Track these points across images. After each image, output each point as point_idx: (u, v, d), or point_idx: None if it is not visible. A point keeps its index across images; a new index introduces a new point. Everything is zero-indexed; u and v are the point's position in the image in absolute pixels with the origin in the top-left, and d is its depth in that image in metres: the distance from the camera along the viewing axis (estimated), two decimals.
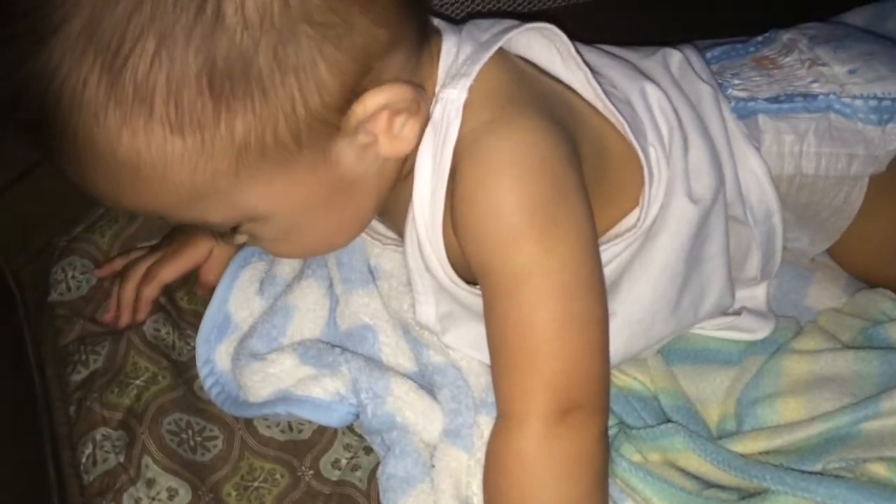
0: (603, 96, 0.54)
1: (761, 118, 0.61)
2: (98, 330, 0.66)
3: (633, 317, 0.56)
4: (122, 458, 0.57)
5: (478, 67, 0.51)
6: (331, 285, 0.64)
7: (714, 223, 0.58)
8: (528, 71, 0.55)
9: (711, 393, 0.61)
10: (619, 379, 0.62)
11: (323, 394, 0.58)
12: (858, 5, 0.85)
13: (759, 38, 0.69)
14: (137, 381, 0.60)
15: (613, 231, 0.56)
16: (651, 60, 0.62)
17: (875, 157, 0.62)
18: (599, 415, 0.50)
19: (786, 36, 0.67)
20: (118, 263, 0.69)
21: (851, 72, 0.63)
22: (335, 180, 0.49)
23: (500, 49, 0.53)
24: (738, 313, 0.63)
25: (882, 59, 0.64)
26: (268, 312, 0.63)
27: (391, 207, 0.56)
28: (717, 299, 0.60)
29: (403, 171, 0.53)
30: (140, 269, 0.67)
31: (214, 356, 0.63)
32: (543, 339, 0.49)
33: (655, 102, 0.57)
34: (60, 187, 0.72)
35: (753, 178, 0.61)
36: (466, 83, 0.51)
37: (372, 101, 0.47)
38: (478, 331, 0.54)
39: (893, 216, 0.64)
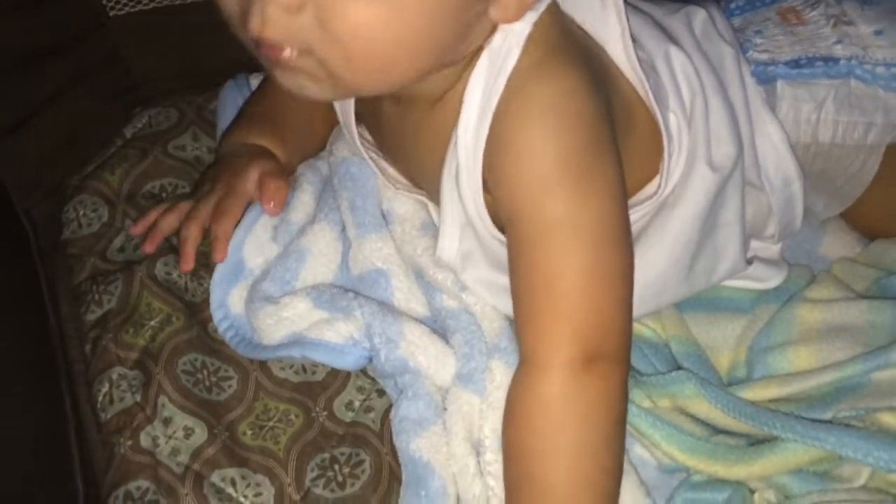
0: (635, 62, 0.54)
1: (780, 84, 0.61)
2: (109, 268, 0.66)
3: (644, 281, 0.56)
4: (138, 398, 0.57)
5: (544, 4, 0.50)
6: (343, 229, 0.64)
7: (731, 190, 0.58)
8: (570, 23, 0.54)
9: (723, 340, 0.62)
10: None
11: (336, 337, 0.58)
12: None
13: None
14: (152, 322, 0.61)
15: (633, 199, 0.56)
16: (674, 19, 0.61)
17: (894, 125, 0.61)
18: (622, 365, 0.50)
19: None
20: (153, 216, 0.65)
21: (878, 33, 0.62)
22: None
23: None
24: (749, 262, 0.63)
25: None
26: (281, 256, 0.63)
27: (419, 140, 0.55)
28: (730, 265, 0.60)
29: (438, 94, 0.52)
30: (201, 210, 0.63)
31: (228, 300, 0.63)
32: (572, 287, 0.49)
33: (679, 67, 0.57)
34: (71, 125, 0.74)
35: (771, 145, 0.60)
36: (533, 17, 0.50)
37: None
38: (493, 277, 0.54)
39: None
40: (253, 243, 0.64)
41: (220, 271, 0.63)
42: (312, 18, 0.45)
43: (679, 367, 0.59)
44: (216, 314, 0.62)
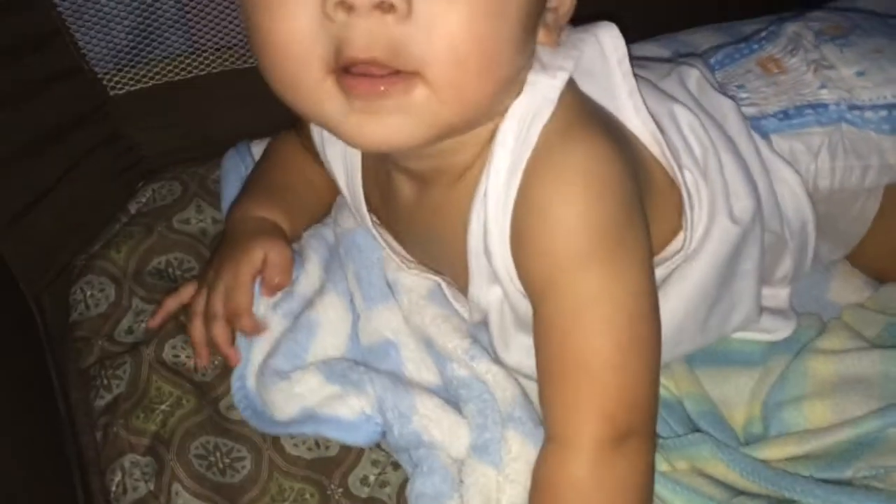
0: (649, 120, 0.54)
1: (774, 138, 0.61)
2: (117, 350, 0.66)
3: (663, 333, 0.55)
4: (152, 486, 0.57)
5: (572, 63, 0.50)
6: (352, 299, 0.64)
7: (751, 240, 0.57)
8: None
9: (736, 395, 0.61)
10: None
11: (349, 413, 0.58)
12: None
13: (763, 34, 0.67)
14: (162, 407, 0.61)
15: (660, 255, 0.55)
16: (669, 81, 0.61)
17: (890, 166, 0.61)
18: (650, 439, 0.50)
19: (790, 29, 0.66)
20: (171, 304, 0.65)
21: (860, 74, 0.62)
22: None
23: None
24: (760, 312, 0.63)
25: (891, 55, 0.63)
26: (290, 329, 0.63)
27: (439, 217, 0.54)
28: (744, 315, 0.60)
29: (463, 163, 0.51)
30: (216, 307, 0.62)
31: (246, 373, 0.62)
32: (606, 365, 0.48)
33: (686, 124, 0.57)
34: (77, 206, 0.74)
35: (788, 188, 0.60)
36: (564, 76, 0.50)
37: None
38: (523, 339, 0.54)
39: None
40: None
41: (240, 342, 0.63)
42: (419, 29, 0.42)
43: (695, 426, 0.59)
44: (234, 385, 0.62)
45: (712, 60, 0.67)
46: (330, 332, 0.62)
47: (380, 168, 0.58)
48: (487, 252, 0.51)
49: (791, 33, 0.66)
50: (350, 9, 0.41)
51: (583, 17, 0.61)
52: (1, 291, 0.66)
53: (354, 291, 0.63)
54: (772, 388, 0.60)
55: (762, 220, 0.58)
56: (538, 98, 0.49)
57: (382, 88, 0.43)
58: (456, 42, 0.43)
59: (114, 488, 0.58)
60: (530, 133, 0.49)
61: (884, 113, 0.61)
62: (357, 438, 0.59)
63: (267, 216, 0.66)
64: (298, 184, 0.68)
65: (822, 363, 0.60)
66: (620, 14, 0.72)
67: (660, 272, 0.54)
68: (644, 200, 0.52)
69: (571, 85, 0.51)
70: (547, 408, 0.50)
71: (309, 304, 0.64)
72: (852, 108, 0.61)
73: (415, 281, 0.62)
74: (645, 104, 0.54)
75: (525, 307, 0.52)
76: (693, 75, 0.62)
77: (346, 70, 0.43)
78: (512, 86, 0.48)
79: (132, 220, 0.75)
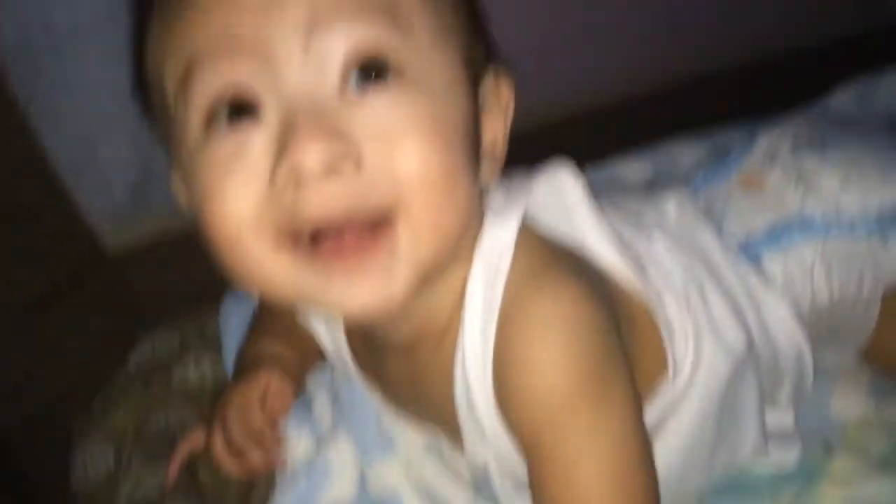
0: (617, 255, 0.53)
1: (766, 260, 0.61)
2: None
3: (664, 477, 0.53)
4: None
5: (521, 208, 0.50)
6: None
7: (746, 373, 0.56)
8: (546, 232, 0.54)
9: None
10: None
11: None
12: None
13: (740, 146, 0.68)
14: None
15: (649, 392, 0.54)
16: (647, 209, 0.62)
17: (883, 272, 0.61)
18: None
19: (766, 140, 0.66)
20: (184, 450, 0.64)
21: (841, 184, 0.62)
22: (470, 123, 0.47)
23: None
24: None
25: (870, 160, 0.64)
26: (300, 474, 0.62)
27: (428, 377, 0.53)
28: (752, 448, 0.59)
29: (440, 326, 0.51)
30: (234, 435, 0.61)
31: None
32: None
33: (666, 257, 0.56)
34: (76, 366, 0.74)
35: (780, 320, 0.60)
36: (514, 224, 0.49)
37: (491, 81, 0.50)
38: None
39: None
40: None
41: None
42: (379, 174, 0.42)
43: None
44: None
45: (695, 181, 0.67)
46: (338, 482, 0.61)
47: (365, 336, 0.58)
48: (475, 413, 0.51)
49: (768, 144, 0.66)
50: (298, 183, 0.41)
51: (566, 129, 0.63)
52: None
53: (356, 443, 0.63)
54: None
55: (756, 352, 0.57)
56: (496, 250, 0.48)
57: (364, 250, 0.43)
58: (420, 171, 0.42)
59: None
60: (495, 291, 0.48)
61: (869, 226, 0.61)
62: None
63: (271, 349, 0.66)
64: (299, 325, 0.68)
65: (833, 489, 0.59)
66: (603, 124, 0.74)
67: (652, 411, 0.53)
68: (626, 336, 0.51)
69: (529, 228, 0.51)
70: None
71: (318, 448, 0.63)
72: (840, 221, 0.61)
73: (412, 433, 0.61)
74: (616, 235, 0.54)
75: (521, 469, 0.50)
76: (671, 204, 0.62)
77: (315, 240, 0.42)
78: (472, 221, 0.48)
79: (131, 378, 0.75)
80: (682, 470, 0.56)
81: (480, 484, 0.58)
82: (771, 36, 0.87)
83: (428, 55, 0.44)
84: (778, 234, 0.62)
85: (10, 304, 0.70)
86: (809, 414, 0.66)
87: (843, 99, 0.88)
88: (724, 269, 0.59)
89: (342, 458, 0.62)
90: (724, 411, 0.56)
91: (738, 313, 0.57)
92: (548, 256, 0.50)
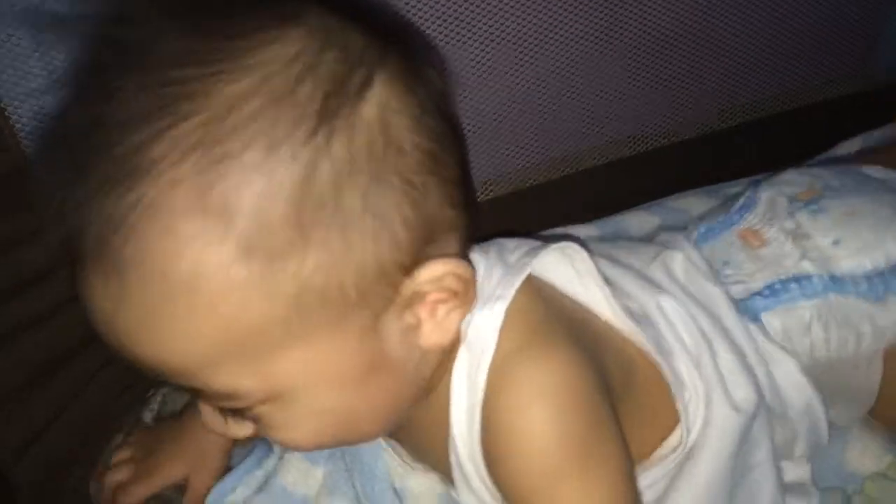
0: (623, 314, 0.54)
1: (764, 317, 0.61)
2: None
3: None
4: None
5: (513, 291, 0.51)
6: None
7: (758, 430, 0.57)
8: (551, 293, 0.55)
9: None
10: None
11: None
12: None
13: (740, 201, 0.69)
14: None
15: (657, 454, 0.55)
16: (654, 268, 0.62)
17: (882, 331, 0.61)
18: None
19: (765, 195, 0.67)
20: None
21: (835, 243, 0.63)
22: (375, 357, 0.47)
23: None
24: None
25: (864, 217, 0.64)
26: None
27: (422, 430, 0.54)
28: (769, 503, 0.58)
29: (429, 387, 0.51)
30: (115, 479, 0.68)
31: None
32: None
33: (674, 314, 0.57)
34: (83, 427, 0.74)
35: (787, 374, 0.60)
36: (503, 306, 0.50)
37: (437, 268, 0.46)
38: None
39: None
40: None
41: None
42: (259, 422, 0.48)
43: None
44: None
45: (696, 235, 0.68)
46: None
47: None
48: (470, 484, 0.51)
49: (766, 200, 0.67)
50: None
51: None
52: None
53: (363, 497, 0.62)
54: None
55: (766, 407, 0.57)
56: (481, 337, 0.49)
57: None
58: (304, 443, 0.50)
59: None
60: (479, 377, 0.49)
61: (865, 284, 0.61)
62: None
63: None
64: None
65: None
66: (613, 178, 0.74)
67: (659, 471, 0.53)
68: (625, 398, 0.52)
69: (528, 295, 0.51)
70: None
71: None
72: (834, 279, 0.62)
73: (423, 486, 0.61)
74: (625, 300, 0.55)
75: None
76: (678, 260, 0.63)
77: None
78: (416, 387, 0.50)
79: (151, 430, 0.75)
80: None
81: None
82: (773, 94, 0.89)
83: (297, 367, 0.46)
84: (777, 290, 0.62)
85: (22, 362, 0.70)
86: (826, 467, 0.65)
87: (844, 150, 0.90)
88: (732, 325, 0.60)
89: None
90: (737, 469, 0.56)
91: (747, 369, 0.57)
92: (539, 325, 0.51)
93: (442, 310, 0.48)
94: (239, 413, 0.47)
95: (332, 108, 0.42)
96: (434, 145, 0.45)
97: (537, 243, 0.56)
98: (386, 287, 0.45)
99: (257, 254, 0.41)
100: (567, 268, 0.55)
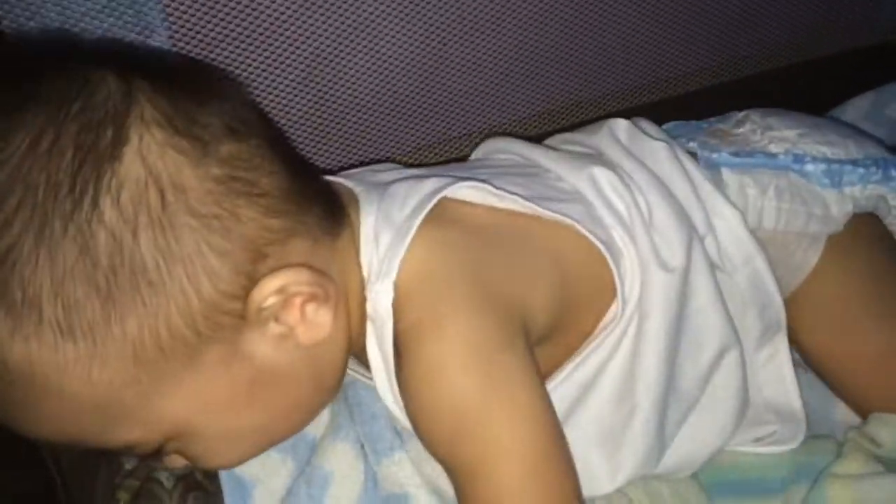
0: (543, 210, 0.56)
1: (725, 172, 0.64)
2: (142, 489, 0.65)
3: (655, 402, 0.57)
4: None
5: (397, 263, 0.52)
6: (363, 446, 0.64)
7: (695, 277, 0.58)
8: (453, 225, 0.55)
9: None
10: None
11: None
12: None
13: (713, 119, 0.72)
14: None
15: (601, 325, 0.57)
16: (598, 136, 0.65)
17: (832, 217, 0.64)
18: None
19: (738, 114, 0.71)
20: None
21: (801, 134, 0.66)
22: (254, 374, 0.49)
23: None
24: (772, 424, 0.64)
25: (829, 127, 0.69)
26: (302, 479, 0.62)
27: None
28: (717, 349, 0.59)
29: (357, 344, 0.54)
30: None
31: None
32: None
33: (606, 184, 0.59)
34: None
35: (727, 226, 0.62)
36: (390, 284, 0.51)
37: (268, 286, 0.47)
38: None
39: (840, 280, 0.65)
40: None
41: (226, 494, 0.61)
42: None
43: None
44: None
45: (663, 127, 0.70)
46: (343, 484, 0.62)
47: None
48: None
49: (739, 116, 0.70)
50: None
51: None
52: None
53: (364, 443, 0.63)
54: None
55: (703, 251, 0.59)
56: (379, 314, 0.51)
57: None
58: (228, 464, 0.55)
59: None
60: (386, 349, 0.51)
61: (823, 166, 0.64)
62: None
63: None
64: None
65: (841, 490, 0.59)
66: None
67: (611, 340, 0.56)
68: (564, 284, 0.55)
69: (424, 244, 0.52)
70: None
71: (316, 451, 0.64)
72: (796, 159, 0.64)
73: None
74: (557, 185, 0.58)
75: None
76: (622, 125, 0.65)
77: None
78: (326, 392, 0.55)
79: None
80: (663, 395, 0.57)
81: None
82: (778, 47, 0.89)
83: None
84: (742, 154, 0.65)
85: None
86: (816, 414, 0.67)
87: (856, 107, 0.90)
88: (672, 177, 0.61)
89: (342, 465, 0.63)
90: (676, 324, 0.57)
91: (680, 218, 0.59)
92: (433, 290, 0.51)
93: (309, 309, 0.49)
94: (157, 453, 0.50)
95: (87, 177, 0.42)
96: (226, 169, 0.46)
97: (429, 186, 0.55)
98: (224, 317, 0.46)
99: (76, 331, 0.43)
100: (480, 192, 0.56)
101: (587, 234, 0.56)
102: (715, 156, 0.65)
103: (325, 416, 0.66)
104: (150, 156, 0.44)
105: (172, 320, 0.44)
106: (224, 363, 0.47)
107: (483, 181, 0.57)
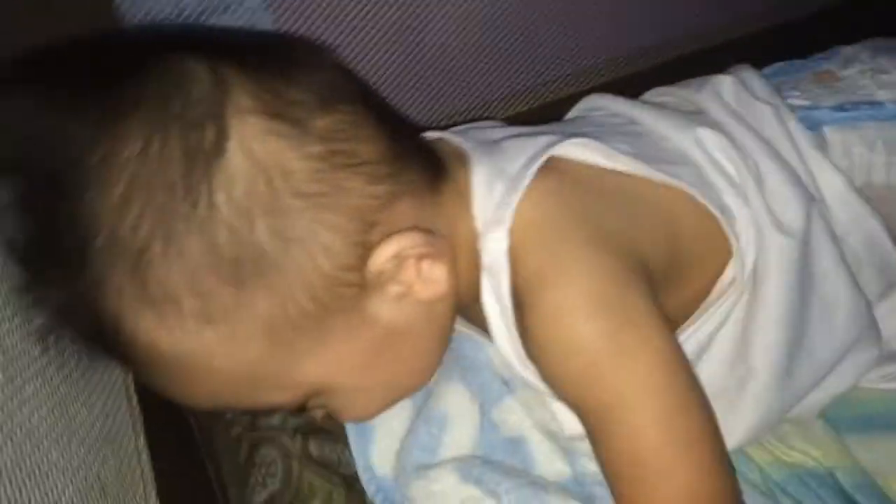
0: (653, 172, 0.54)
1: (827, 130, 0.60)
2: (262, 436, 0.68)
3: (774, 367, 0.55)
4: None
5: (510, 212, 0.51)
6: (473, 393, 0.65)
7: (816, 242, 0.56)
8: (567, 181, 0.54)
9: (889, 463, 0.59)
10: (789, 456, 0.60)
11: None
12: None
13: (820, 55, 0.67)
14: (316, 502, 0.64)
15: (716, 291, 0.55)
16: (703, 93, 0.62)
17: None
18: None
19: (847, 50, 0.66)
20: None
21: None
22: (381, 335, 0.51)
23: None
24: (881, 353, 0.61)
25: None
26: (421, 419, 0.64)
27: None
28: (848, 313, 0.58)
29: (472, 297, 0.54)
30: None
31: (372, 462, 0.65)
32: (656, 469, 0.48)
33: (714, 146, 0.57)
34: None
35: (834, 190, 0.59)
36: (504, 231, 0.51)
37: (382, 254, 0.48)
38: None
39: None
40: None
41: (350, 437, 0.65)
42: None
43: (851, 500, 0.57)
44: (363, 477, 0.64)
45: (766, 72, 0.66)
46: (460, 425, 0.63)
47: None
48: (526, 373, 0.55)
49: (848, 53, 0.66)
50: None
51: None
52: (158, 400, 0.70)
53: (475, 392, 0.64)
54: None
55: (823, 215, 0.57)
56: (495, 263, 0.51)
57: None
58: (366, 415, 0.60)
59: None
60: (504, 299, 0.51)
61: None
62: None
63: None
64: None
65: None
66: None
67: (726, 307, 0.55)
68: (675, 249, 0.54)
69: (538, 198, 0.51)
70: None
71: (431, 394, 0.65)
72: None
73: (531, 375, 0.62)
74: (662, 146, 0.56)
75: None
76: (727, 83, 0.62)
77: None
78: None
79: None
80: (785, 359, 0.56)
81: None
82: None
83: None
84: (846, 108, 0.61)
85: None
86: None
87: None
88: (780, 139, 0.59)
89: (458, 407, 0.64)
90: (804, 289, 0.56)
91: (795, 183, 0.57)
92: (551, 239, 0.51)
93: (425, 267, 0.50)
94: (302, 409, 0.54)
95: (198, 178, 0.44)
96: (325, 144, 0.47)
97: (541, 142, 0.55)
98: (345, 288, 0.48)
99: (213, 318, 0.46)
100: (590, 150, 0.55)
101: (700, 197, 0.54)
102: (816, 113, 0.61)
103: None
104: (252, 146, 0.45)
105: (297, 298, 0.47)
106: (351, 328, 0.49)
107: (596, 139, 0.55)
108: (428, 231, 0.50)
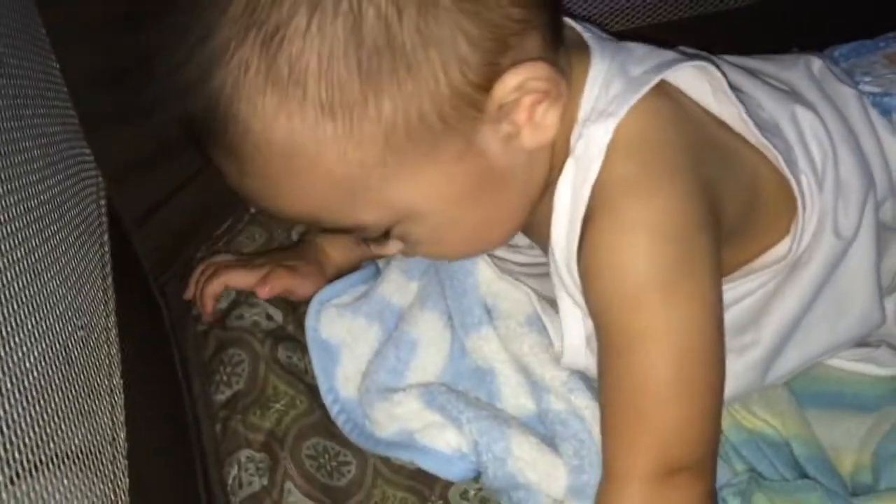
0: (755, 130, 0.53)
1: None
2: (230, 336, 0.69)
3: (773, 343, 0.56)
4: (265, 482, 0.60)
5: (626, 109, 0.50)
6: (450, 317, 0.65)
7: (857, 248, 0.57)
8: (678, 108, 0.53)
9: (845, 440, 0.60)
10: (749, 422, 0.61)
11: (445, 447, 0.60)
12: None
13: (890, 34, 0.67)
14: (278, 406, 0.64)
15: (761, 261, 0.55)
16: (795, 70, 0.61)
17: None
18: (705, 476, 0.50)
19: None
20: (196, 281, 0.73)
21: None
22: (483, 170, 0.50)
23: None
24: (877, 346, 0.62)
25: None
26: (390, 343, 0.65)
27: (534, 222, 0.56)
28: (860, 316, 0.59)
29: (549, 181, 0.53)
30: (210, 267, 0.72)
31: (336, 383, 0.65)
32: (655, 402, 0.49)
33: (808, 128, 0.56)
34: (205, 203, 0.77)
35: None
36: (612, 124, 0.50)
37: (511, 80, 0.47)
38: None
39: None
40: (330, 321, 0.66)
41: (314, 357, 0.66)
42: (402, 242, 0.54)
43: (802, 470, 0.58)
44: (326, 399, 0.65)
45: (836, 53, 0.66)
46: (429, 351, 0.64)
47: None
48: (563, 283, 0.54)
49: None
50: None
51: None
52: (133, 284, 0.70)
53: (453, 316, 0.64)
54: (884, 437, 0.58)
55: (873, 219, 0.57)
56: (590, 151, 0.50)
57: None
58: (449, 253, 0.58)
59: (230, 481, 0.61)
60: (582, 193, 0.50)
61: None
62: (451, 474, 0.61)
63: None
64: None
65: None
66: None
67: (763, 279, 0.55)
68: (748, 209, 0.53)
69: (645, 114, 0.50)
70: (603, 441, 0.51)
71: (404, 319, 0.66)
72: None
73: (513, 307, 0.63)
74: (757, 111, 0.55)
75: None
76: (817, 63, 0.62)
77: None
78: (530, 190, 0.53)
79: (253, 219, 0.79)
80: (786, 341, 0.58)
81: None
82: None
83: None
84: None
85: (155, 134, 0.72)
86: None
87: None
88: (861, 128, 0.59)
89: (429, 334, 0.64)
90: (828, 283, 0.57)
91: (863, 168, 0.57)
92: (653, 153, 0.50)
93: (539, 110, 0.49)
94: (385, 236, 0.52)
95: None
96: None
97: (669, 56, 0.54)
98: (468, 108, 0.47)
99: (336, 110, 0.44)
100: (702, 83, 0.54)
101: (787, 172, 0.53)
102: (887, 99, 0.60)
103: (412, 287, 0.67)
104: None
105: (423, 105, 0.45)
106: (459, 156, 0.48)
107: (722, 73, 0.54)
108: (554, 65, 0.49)
